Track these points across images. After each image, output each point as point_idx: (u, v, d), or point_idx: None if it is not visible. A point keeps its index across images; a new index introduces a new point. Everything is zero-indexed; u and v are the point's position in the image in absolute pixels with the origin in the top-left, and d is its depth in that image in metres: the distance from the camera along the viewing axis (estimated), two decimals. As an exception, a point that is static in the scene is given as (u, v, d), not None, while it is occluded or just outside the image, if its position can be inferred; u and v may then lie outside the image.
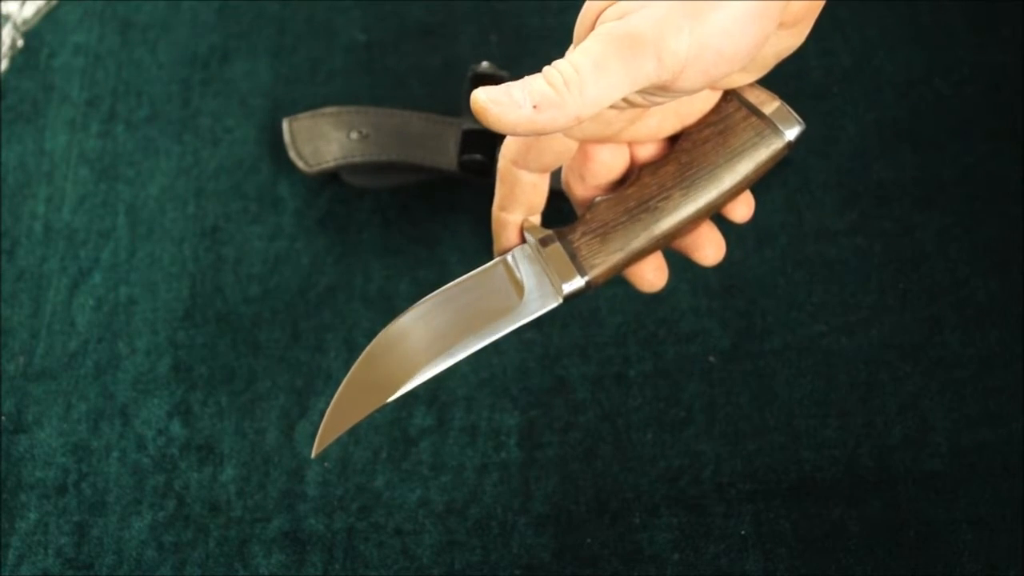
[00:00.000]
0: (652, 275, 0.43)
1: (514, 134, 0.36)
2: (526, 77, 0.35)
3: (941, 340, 0.54)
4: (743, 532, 0.50)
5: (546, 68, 0.35)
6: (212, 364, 0.55)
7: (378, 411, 0.53)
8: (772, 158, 0.40)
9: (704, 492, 0.51)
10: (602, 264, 0.41)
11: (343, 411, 0.41)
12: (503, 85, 0.35)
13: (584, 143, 0.41)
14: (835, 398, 0.53)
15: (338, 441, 0.52)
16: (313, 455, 0.42)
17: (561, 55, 0.40)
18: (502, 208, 0.43)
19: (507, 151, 0.42)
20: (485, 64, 0.56)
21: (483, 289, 0.41)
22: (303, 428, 0.53)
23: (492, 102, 0.35)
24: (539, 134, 0.36)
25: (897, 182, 0.59)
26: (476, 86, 0.56)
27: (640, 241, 0.41)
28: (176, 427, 0.53)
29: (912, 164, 0.60)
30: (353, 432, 0.53)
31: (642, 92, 0.36)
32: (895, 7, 0.65)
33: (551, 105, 0.35)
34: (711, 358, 0.54)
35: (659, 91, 0.36)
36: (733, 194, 0.41)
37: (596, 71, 0.35)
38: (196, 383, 0.54)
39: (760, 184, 0.43)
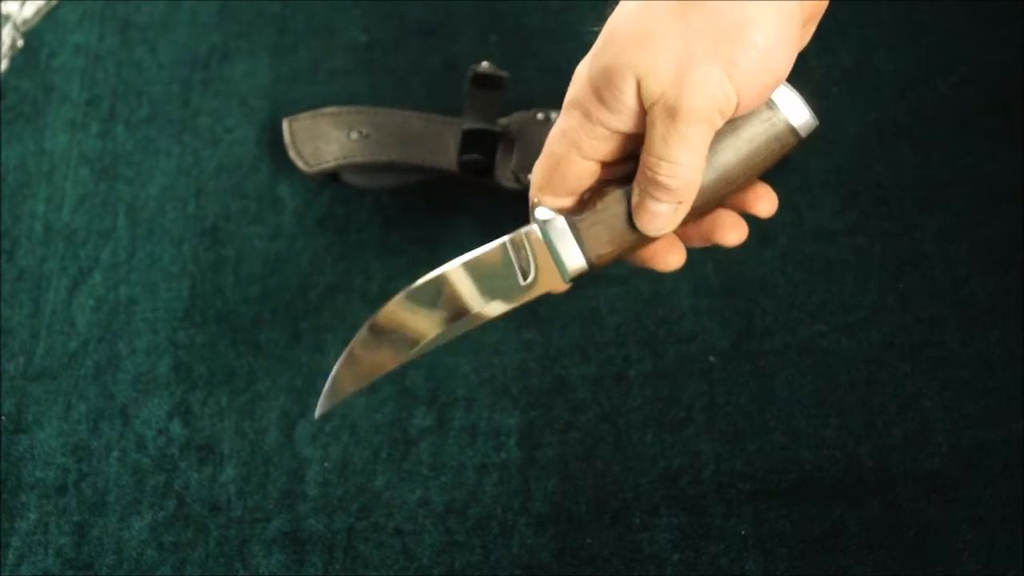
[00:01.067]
0: (672, 257, 0.44)
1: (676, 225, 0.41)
2: (652, 194, 0.40)
3: (941, 340, 0.54)
4: (743, 532, 0.50)
5: (657, 178, 0.39)
6: (212, 364, 0.55)
7: (377, 411, 0.53)
8: (775, 139, 0.40)
9: (704, 492, 0.51)
10: (609, 253, 0.42)
11: (347, 375, 0.43)
12: (654, 209, 0.40)
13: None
14: (835, 398, 0.53)
15: (338, 441, 0.52)
16: (316, 416, 0.44)
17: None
18: None
19: (533, 181, 0.43)
20: (485, 64, 0.56)
21: (492, 266, 0.42)
22: (303, 428, 0.53)
23: (667, 228, 0.41)
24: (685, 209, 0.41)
25: (897, 182, 0.59)
26: (477, 86, 0.56)
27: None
28: (176, 427, 0.53)
29: (912, 164, 0.60)
30: (353, 432, 0.53)
31: None
32: (895, 7, 0.65)
33: (682, 196, 0.40)
34: (711, 358, 0.54)
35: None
36: (741, 183, 0.41)
37: (687, 152, 0.38)
38: (196, 383, 0.54)
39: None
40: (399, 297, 0.43)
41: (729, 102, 0.38)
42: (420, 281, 0.43)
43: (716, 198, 0.42)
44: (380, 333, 0.43)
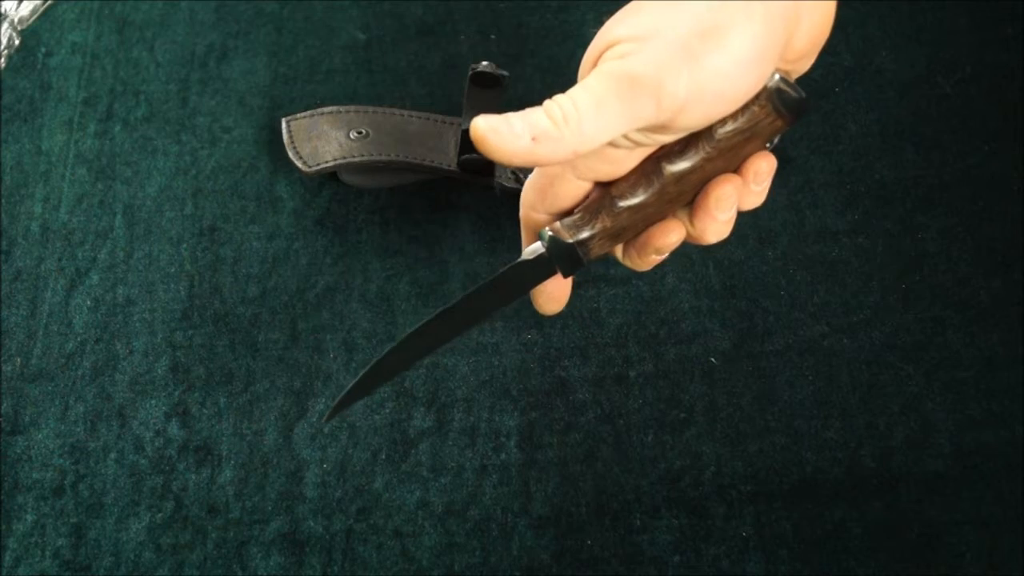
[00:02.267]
0: (674, 237, 0.41)
1: (510, 164, 0.37)
2: (527, 109, 0.36)
3: (943, 341, 0.54)
4: (744, 533, 0.50)
5: (547, 102, 0.36)
6: (210, 365, 0.54)
7: (376, 412, 0.53)
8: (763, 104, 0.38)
9: (705, 493, 0.51)
10: (607, 252, 0.41)
11: (362, 386, 0.43)
12: (504, 115, 0.36)
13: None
14: (837, 399, 0.53)
15: (337, 442, 0.52)
16: (325, 420, 0.45)
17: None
18: None
19: (525, 198, 0.42)
20: (485, 63, 0.56)
21: (498, 290, 0.42)
22: (302, 429, 0.53)
23: (492, 130, 0.36)
24: (536, 165, 0.37)
25: (899, 182, 0.59)
26: (476, 85, 0.56)
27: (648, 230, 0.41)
28: (174, 428, 0.53)
29: (914, 163, 0.59)
30: (352, 433, 0.52)
31: (643, 131, 0.37)
32: (897, 6, 0.65)
33: (549, 139, 0.36)
34: (712, 359, 0.54)
35: (660, 130, 0.37)
36: (738, 158, 0.40)
37: (595, 109, 0.35)
38: (194, 384, 0.54)
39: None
40: (414, 330, 0.42)
41: (671, 96, 0.35)
42: (434, 316, 0.42)
43: (720, 167, 0.39)
44: (397, 357, 0.42)
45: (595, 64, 0.37)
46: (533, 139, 0.36)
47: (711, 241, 0.41)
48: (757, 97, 0.38)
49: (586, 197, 0.41)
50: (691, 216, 0.40)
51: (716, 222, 0.40)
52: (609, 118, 0.36)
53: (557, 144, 0.36)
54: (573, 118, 0.35)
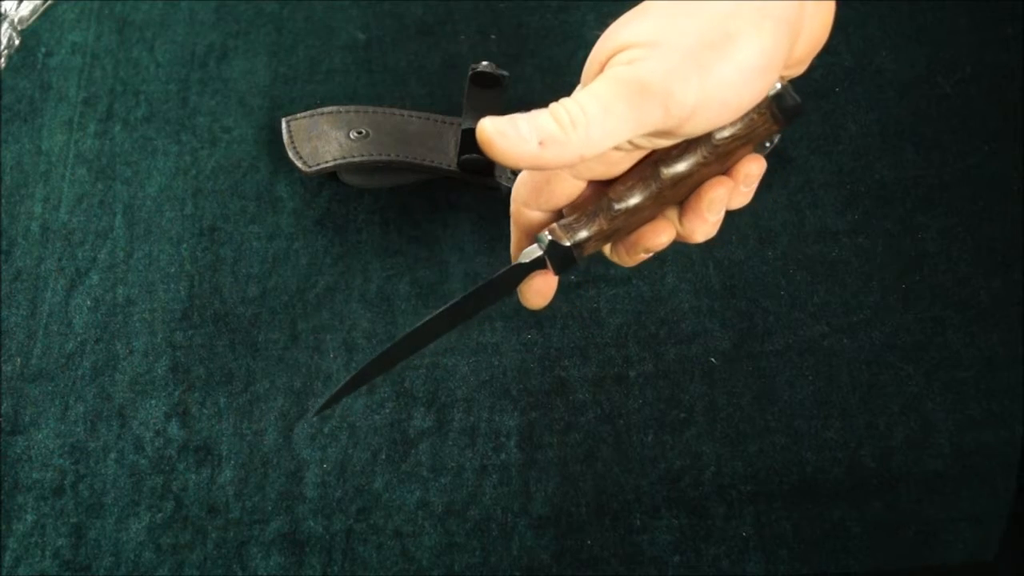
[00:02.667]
0: (664, 237, 0.41)
1: (516, 167, 0.37)
2: (533, 111, 0.36)
3: (943, 341, 0.54)
4: (744, 533, 0.50)
5: (553, 105, 0.36)
6: (210, 365, 0.54)
7: (376, 412, 0.53)
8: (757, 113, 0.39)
9: (705, 493, 0.51)
10: (596, 249, 0.41)
11: (354, 383, 0.43)
12: (510, 117, 0.36)
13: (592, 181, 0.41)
14: (837, 399, 0.53)
15: (337, 442, 0.52)
16: (312, 415, 0.45)
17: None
18: (519, 249, 0.43)
19: (517, 194, 0.42)
20: (485, 63, 0.56)
21: (493, 291, 0.42)
22: (302, 429, 0.53)
23: (499, 134, 0.36)
24: (541, 169, 0.37)
25: (899, 182, 0.59)
26: (476, 85, 0.56)
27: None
28: (174, 428, 0.53)
29: (914, 164, 0.59)
30: (352, 433, 0.52)
31: (647, 136, 0.37)
32: (897, 6, 0.65)
33: (556, 143, 0.36)
34: (712, 359, 0.54)
35: (663, 135, 0.37)
36: (732, 157, 0.40)
37: (602, 114, 0.35)
38: (194, 384, 0.54)
39: (762, 184, 0.42)
40: (413, 330, 0.42)
41: (679, 104, 0.35)
42: (433, 315, 0.42)
43: (714, 165, 0.40)
44: (391, 355, 0.42)
45: (601, 68, 0.37)
46: (540, 143, 0.36)
47: (699, 240, 0.41)
48: (758, 104, 0.38)
49: (580, 195, 0.41)
50: (681, 216, 0.41)
51: (706, 223, 0.40)
52: (616, 124, 0.36)
53: (563, 148, 0.36)
54: (581, 123, 0.36)
